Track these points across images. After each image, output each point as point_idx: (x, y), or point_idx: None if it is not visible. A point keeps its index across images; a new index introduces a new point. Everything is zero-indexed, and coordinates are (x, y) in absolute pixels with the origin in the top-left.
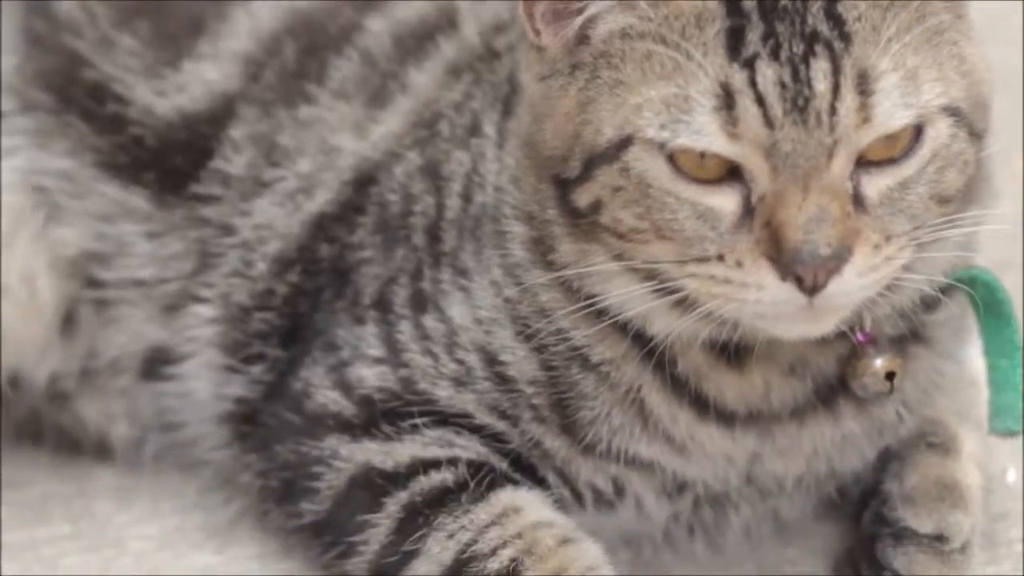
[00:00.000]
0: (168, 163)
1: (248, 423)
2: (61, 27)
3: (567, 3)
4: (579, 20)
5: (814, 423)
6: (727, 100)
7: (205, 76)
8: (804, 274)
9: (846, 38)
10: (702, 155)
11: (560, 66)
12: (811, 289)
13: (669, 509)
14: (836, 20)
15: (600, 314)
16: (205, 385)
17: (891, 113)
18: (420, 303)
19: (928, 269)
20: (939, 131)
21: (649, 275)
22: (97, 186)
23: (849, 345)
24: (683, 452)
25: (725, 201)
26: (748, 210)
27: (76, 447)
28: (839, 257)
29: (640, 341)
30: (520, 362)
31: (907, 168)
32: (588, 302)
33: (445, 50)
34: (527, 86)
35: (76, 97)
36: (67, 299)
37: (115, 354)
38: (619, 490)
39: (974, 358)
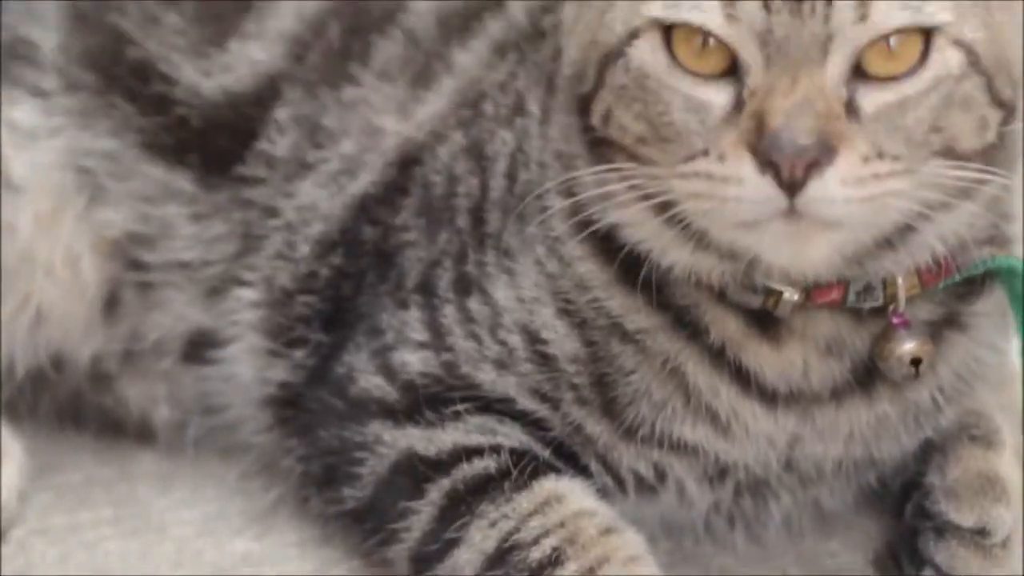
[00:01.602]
0: (213, 144)
1: (290, 408)
2: (106, 4)
3: None
4: None
5: (852, 405)
6: None
7: (251, 56)
8: (780, 161)
9: None
10: (703, 43)
11: None
12: (789, 186)
13: (710, 496)
14: None
15: (628, 272)
16: (248, 369)
17: (889, 12)
18: (464, 286)
19: (941, 230)
20: (947, 58)
21: (662, 207)
22: (141, 167)
23: (884, 326)
24: (726, 432)
25: (717, 95)
26: (738, 104)
27: (118, 430)
28: (820, 151)
29: (672, 310)
30: (561, 340)
31: (908, 87)
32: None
33: (491, 29)
34: (563, 13)
35: (120, 76)
36: (110, 280)
37: (158, 336)
38: (660, 476)
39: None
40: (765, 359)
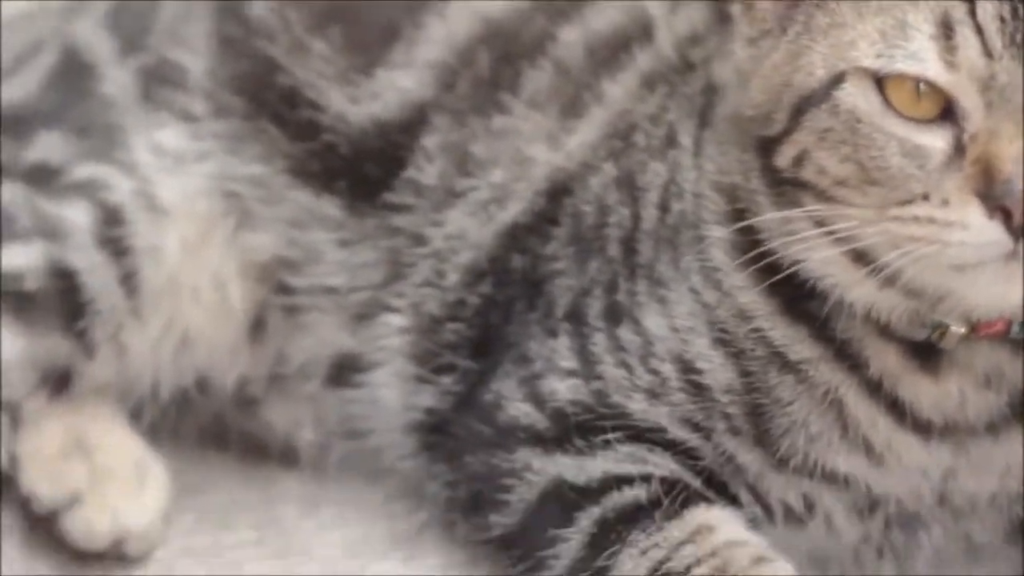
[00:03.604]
0: (360, 171)
1: (437, 433)
2: (254, 31)
3: None
4: None
5: (1007, 438)
6: (945, 30)
7: (399, 84)
8: (1013, 207)
9: None
10: (917, 89)
11: (770, 25)
12: (1019, 230)
13: (860, 528)
14: None
15: (791, 303)
16: (394, 394)
17: None
18: (615, 315)
19: None
20: None
21: (848, 240)
22: (289, 193)
23: None
24: (880, 463)
25: (935, 139)
26: (958, 149)
27: (262, 453)
28: None
29: (834, 343)
30: (716, 369)
31: None
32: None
33: (640, 61)
34: (734, 54)
35: (269, 102)
36: (257, 304)
37: (303, 360)
38: (810, 506)
39: None
40: (922, 391)
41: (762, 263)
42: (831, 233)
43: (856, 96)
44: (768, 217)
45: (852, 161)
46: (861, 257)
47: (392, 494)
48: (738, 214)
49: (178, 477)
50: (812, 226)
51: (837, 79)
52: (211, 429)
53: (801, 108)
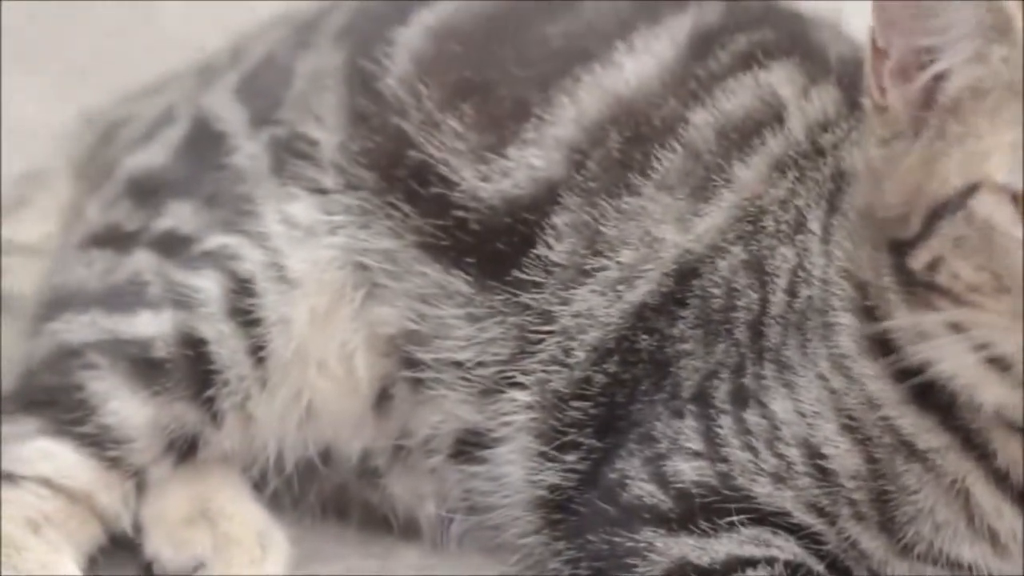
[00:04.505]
0: (490, 248)
1: (560, 511)
2: (386, 106)
3: (917, 57)
4: (929, 73)
5: None
6: None
7: (529, 162)
8: None
9: None
10: None
11: (902, 127)
12: None
13: None
14: None
15: (919, 392)
16: (517, 470)
17: None
18: (741, 398)
19: None
20: None
21: (981, 346)
22: (418, 267)
23: None
24: (1004, 553)
25: None
26: None
27: (382, 525)
28: None
29: (962, 432)
30: (842, 455)
31: None
32: (918, 378)
33: (770, 145)
34: (866, 152)
35: (400, 177)
36: (383, 377)
37: (428, 434)
38: None
39: None
40: None
41: (892, 359)
42: (964, 338)
43: (991, 206)
44: (900, 321)
45: (987, 269)
46: (994, 361)
47: (511, 570)
48: (868, 309)
49: (299, 545)
50: (945, 330)
51: (971, 189)
52: (333, 499)
53: (937, 214)
